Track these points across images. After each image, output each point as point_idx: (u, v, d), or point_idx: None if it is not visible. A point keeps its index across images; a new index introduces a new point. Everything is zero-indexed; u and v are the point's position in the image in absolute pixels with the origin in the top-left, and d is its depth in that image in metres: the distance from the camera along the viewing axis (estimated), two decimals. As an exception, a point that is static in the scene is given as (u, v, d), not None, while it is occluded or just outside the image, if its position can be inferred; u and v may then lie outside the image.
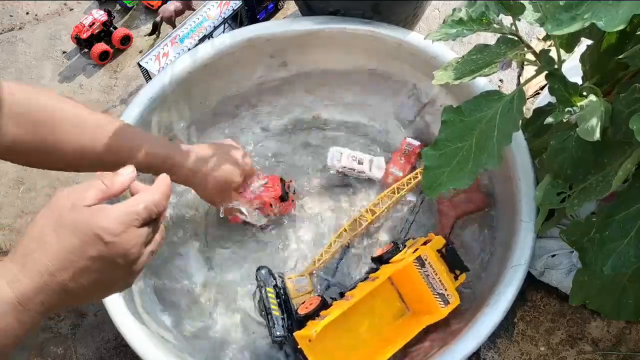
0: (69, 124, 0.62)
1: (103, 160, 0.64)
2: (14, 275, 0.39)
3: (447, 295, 0.70)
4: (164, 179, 0.46)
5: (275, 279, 0.78)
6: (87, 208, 0.41)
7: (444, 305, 0.70)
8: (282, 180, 0.83)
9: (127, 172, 0.45)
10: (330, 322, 0.66)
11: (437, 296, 0.70)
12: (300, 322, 0.69)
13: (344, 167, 0.85)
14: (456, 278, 0.72)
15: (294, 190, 0.85)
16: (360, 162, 0.86)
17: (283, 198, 0.81)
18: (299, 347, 0.67)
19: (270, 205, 0.81)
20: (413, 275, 0.71)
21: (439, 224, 0.82)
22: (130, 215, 0.42)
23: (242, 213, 0.79)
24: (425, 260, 0.70)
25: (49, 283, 0.39)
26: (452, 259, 0.72)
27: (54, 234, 0.40)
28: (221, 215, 0.80)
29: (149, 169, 0.67)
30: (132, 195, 0.45)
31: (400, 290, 0.75)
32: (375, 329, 0.73)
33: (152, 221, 0.44)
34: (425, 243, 0.72)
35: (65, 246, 0.40)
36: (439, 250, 0.72)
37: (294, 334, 0.68)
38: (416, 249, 0.71)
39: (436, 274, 0.70)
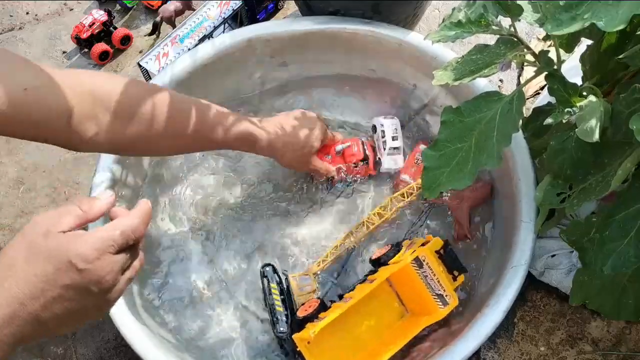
0: (161, 116, 0.62)
1: (188, 144, 0.68)
2: None
3: (446, 296, 0.70)
4: (143, 203, 0.45)
5: (279, 276, 0.78)
6: (61, 234, 0.40)
7: (442, 306, 0.70)
8: (362, 142, 0.85)
9: (105, 197, 0.44)
10: (328, 324, 0.66)
11: (436, 297, 0.70)
12: (299, 324, 0.69)
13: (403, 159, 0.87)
14: (455, 279, 0.72)
15: (375, 152, 0.87)
16: (395, 138, 0.87)
17: (365, 159, 0.84)
18: (297, 349, 0.67)
19: (356, 166, 0.84)
20: (411, 276, 0.71)
21: (456, 224, 0.81)
22: (106, 242, 0.40)
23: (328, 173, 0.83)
24: (424, 261, 0.70)
25: (19, 313, 0.38)
26: (450, 260, 0.72)
27: (25, 262, 0.39)
28: (317, 180, 0.85)
29: (232, 146, 0.71)
30: (112, 219, 0.44)
31: (398, 292, 0.75)
32: (374, 331, 0.73)
33: (129, 247, 0.43)
34: (424, 244, 0.72)
35: (37, 274, 0.38)
36: (437, 252, 0.72)
37: (293, 336, 0.68)
38: (414, 251, 0.71)
39: (434, 275, 0.70)
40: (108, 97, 0.58)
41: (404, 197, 0.81)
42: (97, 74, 0.60)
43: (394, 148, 0.86)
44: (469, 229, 0.80)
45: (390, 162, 0.86)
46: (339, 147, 0.83)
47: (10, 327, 0.38)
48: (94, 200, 0.44)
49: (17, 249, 0.39)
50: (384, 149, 0.86)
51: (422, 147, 0.86)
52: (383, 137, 0.86)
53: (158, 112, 0.62)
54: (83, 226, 0.42)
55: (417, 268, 0.70)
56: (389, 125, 0.87)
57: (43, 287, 0.38)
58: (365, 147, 0.85)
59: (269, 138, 0.73)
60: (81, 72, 0.59)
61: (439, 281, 0.70)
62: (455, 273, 0.72)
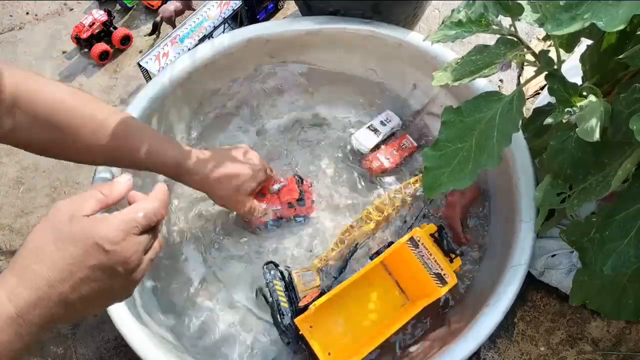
0: (77, 123, 0.62)
1: (115, 159, 0.66)
2: (12, 287, 0.39)
3: (444, 274, 0.70)
4: (161, 187, 0.46)
5: (282, 272, 0.78)
6: (86, 218, 0.41)
7: (441, 285, 0.70)
8: (299, 180, 0.83)
9: (125, 181, 0.46)
10: (330, 310, 0.67)
11: (434, 276, 0.71)
12: (300, 312, 0.70)
13: (378, 142, 0.87)
14: (451, 261, 0.72)
15: (311, 192, 0.85)
16: (383, 123, 0.88)
17: (300, 199, 0.82)
18: (300, 333, 0.68)
19: (290, 206, 0.81)
20: (408, 258, 0.71)
21: (450, 230, 0.81)
22: (130, 223, 0.42)
23: (266, 214, 0.81)
24: (419, 241, 0.71)
25: (48, 295, 0.39)
26: (445, 244, 0.72)
27: (52, 245, 0.40)
28: (243, 221, 0.82)
29: (161, 170, 0.69)
30: (130, 203, 0.45)
31: (398, 280, 0.76)
32: (375, 318, 0.73)
33: (150, 229, 0.44)
34: None
35: (64, 256, 0.40)
36: (432, 235, 0.72)
37: (295, 320, 0.68)
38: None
39: (431, 254, 0.71)
40: (32, 97, 0.59)
41: (401, 193, 0.81)
42: (32, 75, 0.61)
43: (374, 128, 0.88)
44: (463, 234, 0.80)
45: (361, 135, 0.88)
46: (274, 187, 0.81)
47: (39, 308, 0.39)
48: (113, 184, 0.45)
49: (43, 233, 0.41)
50: (366, 125, 0.88)
51: (409, 137, 0.89)
52: (382, 134, 0.88)
53: (77, 122, 0.61)
54: (105, 209, 0.44)
55: (413, 248, 0.71)
56: (387, 115, 0.90)
57: (71, 269, 0.39)
58: (302, 186, 0.83)
59: (201, 172, 0.70)
60: (16, 70, 0.59)
61: (435, 260, 0.70)
62: (452, 255, 0.72)
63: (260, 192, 0.81)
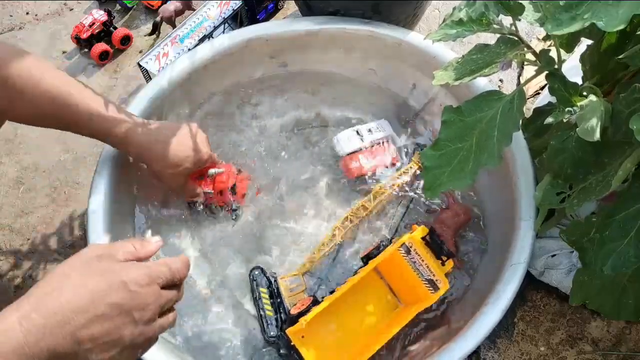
0: (21, 78, 0.62)
1: (59, 121, 0.66)
2: (27, 312, 0.39)
3: (436, 280, 0.70)
4: (184, 257, 0.49)
5: (268, 279, 0.78)
6: (116, 260, 0.43)
7: (433, 291, 0.70)
8: (238, 171, 0.84)
9: (156, 240, 0.48)
10: (322, 319, 0.66)
11: (426, 282, 0.70)
12: (292, 321, 0.70)
13: (360, 148, 0.85)
14: (443, 264, 0.72)
15: (246, 187, 0.85)
16: (370, 131, 0.86)
17: (233, 188, 0.81)
18: (292, 344, 0.67)
19: (220, 194, 0.81)
20: (400, 264, 0.71)
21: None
22: (156, 273, 0.44)
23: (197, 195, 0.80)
24: (411, 247, 0.70)
25: (60, 324, 0.39)
26: (436, 246, 0.72)
27: (78, 275, 0.41)
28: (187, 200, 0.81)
29: (102, 135, 0.68)
30: None
31: (390, 283, 0.75)
32: (368, 323, 0.73)
33: (173, 286, 0.46)
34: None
35: (87, 287, 0.40)
36: (423, 239, 0.72)
37: (286, 330, 0.68)
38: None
39: (423, 260, 0.70)
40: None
41: (384, 192, 0.81)
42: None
43: (358, 132, 0.86)
44: (457, 257, 0.79)
45: (344, 137, 0.86)
46: (211, 171, 0.79)
47: (47, 338, 0.38)
48: (145, 241, 0.48)
49: (72, 265, 0.42)
50: (377, 138, 0.86)
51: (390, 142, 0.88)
52: (367, 141, 0.86)
53: (18, 74, 0.61)
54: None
55: (405, 254, 0.70)
56: (380, 123, 0.88)
57: (90, 302, 0.40)
58: (239, 176, 0.83)
59: (144, 143, 0.69)
60: None
61: (428, 266, 0.70)
62: (444, 258, 0.72)
63: (201, 174, 0.79)
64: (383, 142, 0.87)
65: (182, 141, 0.72)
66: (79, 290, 0.40)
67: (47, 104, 0.64)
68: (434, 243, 0.72)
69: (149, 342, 0.44)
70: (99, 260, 0.42)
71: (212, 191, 0.80)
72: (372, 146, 0.86)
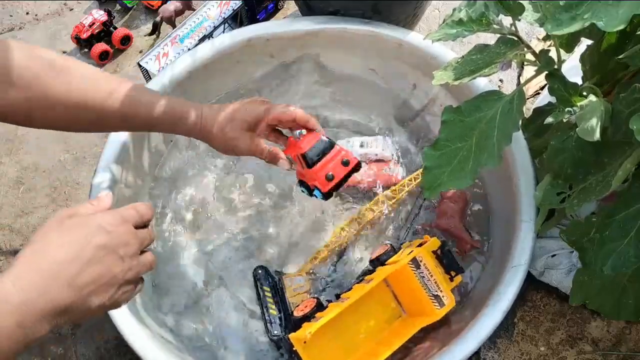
0: (77, 77, 0.59)
1: (92, 119, 0.61)
2: (17, 273, 0.39)
3: (443, 297, 0.70)
4: (146, 203, 0.51)
5: (272, 278, 0.78)
6: (85, 214, 0.45)
7: (439, 307, 0.70)
8: (326, 140, 0.64)
9: (105, 194, 0.50)
10: (325, 324, 0.66)
11: (433, 298, 0.70)
12: (295, 323, 0.69)
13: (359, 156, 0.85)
14: (452, 279, 0.72)
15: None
16: (369, 145, 0.86)
17: (307, 161, 0.63)
18: (294, 349, 0.67)
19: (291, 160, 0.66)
20: (409, 277, 0.70)
21: (456, 241, 0.81)
22: (126, 214, 0.46)
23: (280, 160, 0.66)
24: (421, 261, 0.70)
25: (56, 275, 0.40)
26: (447, 260, 0.72)
27: (57, 232, 0.42)
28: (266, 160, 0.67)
29: (155, 125, 0.64)
30: None
31: (395, 292, 0.75)
32: (371, 331, 0.73)
33: (143, 227, 0.47)
34: (421, 244, 0.72)
35: (70, 240, 0.42)
36: (434, 252, 0.72)
37: (289, 335, 0.68)
38: (411, 251, 0.71)
39: (431, 276, 0.70)
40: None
41: (394, 194, 0.81)
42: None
43: (364, 145, 0.86)
44: (471, 239, 0.79)
45: (388, 149, 0.86)
46: (297, 132, 0.64)
47: (45, 293, 0.39)
48: (99, 197, 0.49)
49: (48, 228, 0.43)
50: (376, 153, 0.86)
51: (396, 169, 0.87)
52: (366, 154, 0.86)
53: (50, 75, 0.57)
54: None
55: (415, 269, 0.70)
56: (385, 141, 0.86)
57: (77, 250, 0.41)
58: (325, 142, 0.63)
59: (203, 115, 0.64)
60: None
61: (435, 282, 0.70)
62: (453, 273, 0.72)
63: (278, 135, 0.67)
64: (386, 164, 0.86)
65: (239, 105, 0.66)
66: (62, 244, 0.41)
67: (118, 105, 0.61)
68: (445, 257, 0.72)
69: (138, 277, 0.46)
70: (70, 218, 0.44)
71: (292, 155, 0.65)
72: (377, 161, 0.86)
